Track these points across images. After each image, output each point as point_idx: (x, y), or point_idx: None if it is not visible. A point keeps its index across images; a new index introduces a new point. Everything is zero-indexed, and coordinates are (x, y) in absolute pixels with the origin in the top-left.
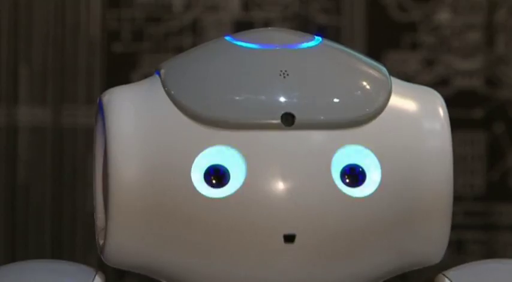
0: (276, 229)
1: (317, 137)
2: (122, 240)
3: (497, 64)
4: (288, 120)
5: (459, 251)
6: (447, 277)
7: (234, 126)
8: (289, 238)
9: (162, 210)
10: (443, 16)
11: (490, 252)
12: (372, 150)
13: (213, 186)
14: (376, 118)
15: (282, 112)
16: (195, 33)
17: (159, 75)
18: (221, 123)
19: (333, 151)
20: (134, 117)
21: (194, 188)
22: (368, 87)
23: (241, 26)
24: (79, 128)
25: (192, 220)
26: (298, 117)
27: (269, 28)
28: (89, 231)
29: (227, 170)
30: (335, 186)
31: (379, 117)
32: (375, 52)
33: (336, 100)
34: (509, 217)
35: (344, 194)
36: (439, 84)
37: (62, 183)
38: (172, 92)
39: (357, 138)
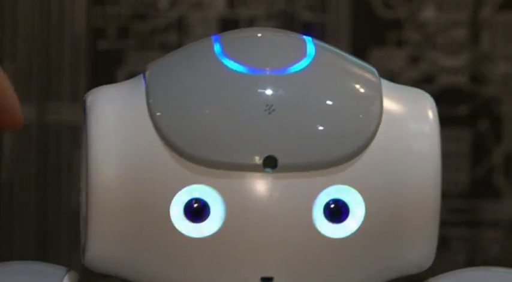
0: (253, 272)
1: (300, 179)
2: (102, 242)
3: (482, 61)
4: (271, 163)
5: (443, 247)
6: None
7: (214, 166)
8: (267, 279)
9: (141, 217)
10: (428, 13)
11: (474, 248)
12: (357, 189)
13: (191, 218)
14: (364, 151)
15: (265, 155)
16: (180, 31)
17: (145, 81)
18: (202, 161)
19: (316, 194)
20: (115, 123)
21: (172, 225)
22: (359, 116)
23: (226, 24)
24: (64, 125)
25: (169, 256)
26: (281, 160)
27: (260, 34)
28: (74, 229)
29: (207, 203)
30: (316, 230)
31: (367, 151)
32: (360, 49)
33: (322, 139)
34: (493, 214)
35: (325, 236)
36: (424, 81)
37: (47, 181)
38: (155, 116)
39: (342, 178)
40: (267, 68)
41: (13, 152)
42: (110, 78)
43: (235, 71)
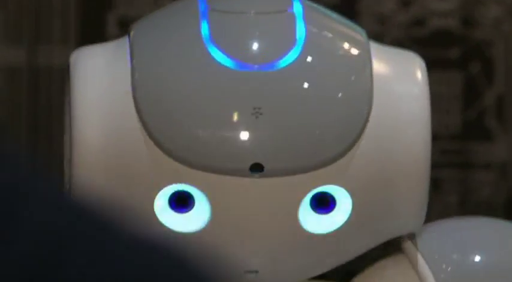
0: (237, 266)
1: (285, 183)
2: None
3: (473, 4)
4: (257, 169)
5: (435, 189)
6: (411, 241)
7: (200, 168)
8: (252, 271)
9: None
10: None
11: (466, 190)
12: (344, 188)
13: (176, 208)
14: (351, 149)
15: (252, 162)
16: None
17: (129, 42)
18: (188, 163)
19: (302, 195)
20: (98, 87)
21: (156, 217)
22: (348, 112)
23: None
24: (55, 68)
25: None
26: (267, 166)
27: (250, 12)
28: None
29: (192, 196)
30: (302, 229)
31: (354, 148)
32: None
33: (309, 143)
34: (485, 156)
35: (311, 233)
36: (415, 25)
37: (38, 124)
38: (140, 106)
39: (329, 178)
40: (256, 63)
41: (4, 95)
42: (99, 22)
43: (223, 65)
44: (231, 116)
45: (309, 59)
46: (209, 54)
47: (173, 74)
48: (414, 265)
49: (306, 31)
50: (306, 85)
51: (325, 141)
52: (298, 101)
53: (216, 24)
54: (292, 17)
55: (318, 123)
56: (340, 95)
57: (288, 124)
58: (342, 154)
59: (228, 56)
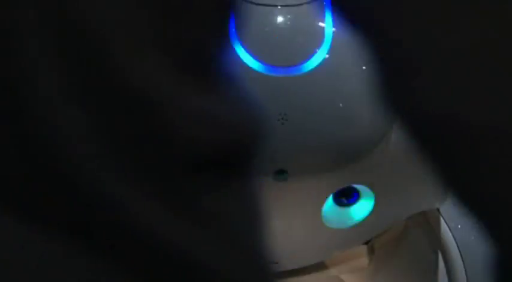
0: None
1: (309, 186)
2: None
3: None
4: (281, 174)
5: None
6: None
7: None
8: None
9: None
10: None
11: None
12: (366, 185)
13: None
14: (374, 150)
15: (276, 169)
16: None
17: None
18: None
19: (324, 196)
20: None
21: None
22: (373, 111)
23: None
24: None
25: None
26: (291, 172)
27: (278, 9)
28: None
29: None
30: (324, 227)
31: (377, 149)
32: None
33: (333, 145)
34: None
35: (335, 230)
36: None
37: None
38: None
39: (351, 178)
40: (282, 65)
41: None
42: None
43: (251, 68)
44: (259, 122)
45: (336, 58)
46: (237, 56)
47: None
48: (434, 225)
49: (333, 23)
50: (331, 89)
51: (348, 146)
52: (324, 106)
53: (242, 20)
54: (320, 8)
55: (343, 128)
56: (365, 95)
57: (312, 130)
58: (365, 155)
59: (256, 58)
